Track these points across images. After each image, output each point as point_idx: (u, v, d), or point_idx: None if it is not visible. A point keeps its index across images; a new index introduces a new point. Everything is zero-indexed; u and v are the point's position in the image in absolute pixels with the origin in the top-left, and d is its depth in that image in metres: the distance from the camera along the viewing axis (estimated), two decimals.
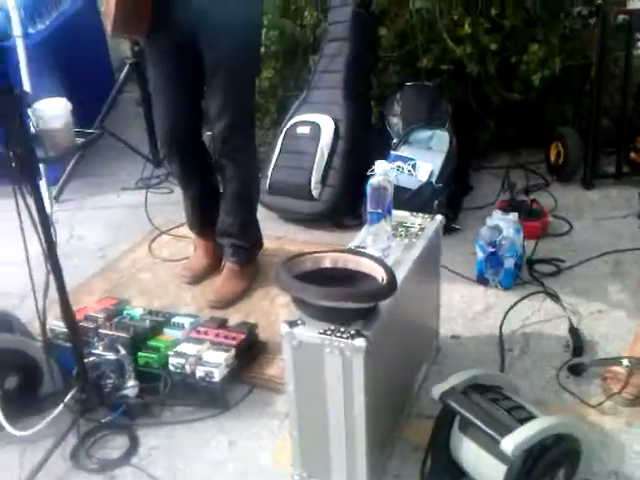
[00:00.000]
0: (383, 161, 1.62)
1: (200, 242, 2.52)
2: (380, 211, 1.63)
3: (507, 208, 2.51)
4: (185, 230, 2.69)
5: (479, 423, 1.34)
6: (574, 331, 1.98)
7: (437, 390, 1.43)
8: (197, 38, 2.03)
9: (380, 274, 1.42)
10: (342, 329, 1.37)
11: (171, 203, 3.06)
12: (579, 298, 2.20)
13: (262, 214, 2.86)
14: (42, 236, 1.56)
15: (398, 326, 1.54)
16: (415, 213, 1.83)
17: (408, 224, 1.77)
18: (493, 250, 2.24)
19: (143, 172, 3.33)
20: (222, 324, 2.03)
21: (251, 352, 1.96)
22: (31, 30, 3.19)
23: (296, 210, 2.74)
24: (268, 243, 2.56)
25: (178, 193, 3.10)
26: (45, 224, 1.55)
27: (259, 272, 2.44)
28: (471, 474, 1.47)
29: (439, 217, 1.82)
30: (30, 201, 1.52)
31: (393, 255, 1.62)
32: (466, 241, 2.52)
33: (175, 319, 2.02)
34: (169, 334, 1.96)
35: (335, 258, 1.49)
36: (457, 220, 2.70)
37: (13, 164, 1.46)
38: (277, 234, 2.72)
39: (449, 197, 2.67)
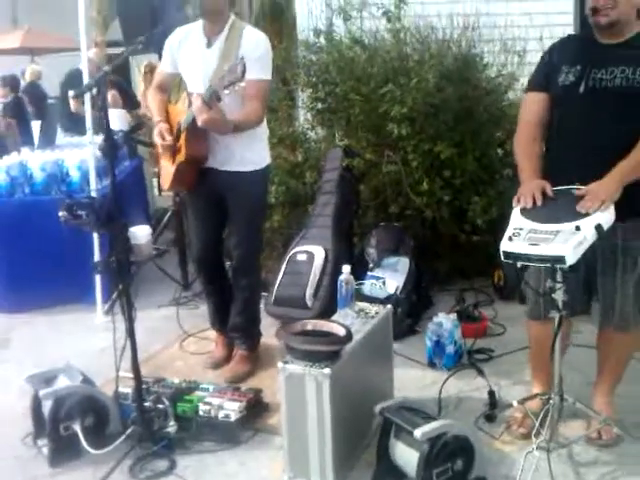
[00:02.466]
0: (348, 265, 2.50)
1: (219, 338, 3.33)
2: (346, 298, 2.49)
3: (452, 312, 3.34)
4: (206, 334, 3.54)
5: (402, 423, 2.10)
6: (491, 393, 2.72)
7: (378, 406, 2.20)
8: (225, 194, 2.98)
9: (342, 332, 2.24)
10: (316, 365, 2.16)
11: (196, 316, 3.91)
12: (502, 375, 2.97)
13: (268, 321, 3.70)
14: (126, 313, 2.41)
15: (355, 369, 2.32)
16: (373, 304, 2.68)
17: (367, 310, 2.61)
18: (437, 339, 3.05)
19: (175, 293, 4.23)
20: (236, 389, 2.80)
21: (257, 408, 2.71)
22: (99, 186, 4.18)
23: (294, 317, 3.54)
24: (271, 342, 3.37)
25: (202, 309, 3.98)
26: (129, 305, 2.40)
27: (264, 360, 3.23)
28: (403, 469, 2.18)
29: (389, 307, 2.66)
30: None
31: (354, 327, 2.43)
32: (423, 340, 3.31)
33: (202, 385, 2.80)
34: (199, 393, 2.72)
35: (314, 323, 2.33)
36: (418, 325, 3.52)
37: (114, 265, 2.35)
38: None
39: (411, 307, 3.52)
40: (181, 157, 2.88)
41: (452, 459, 2.09)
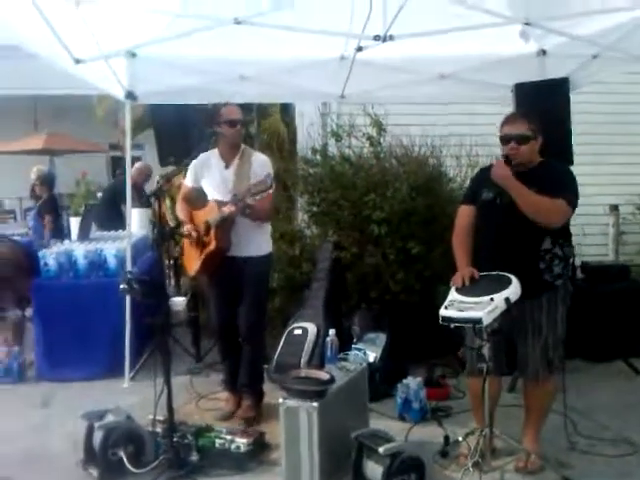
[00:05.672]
0: (333, 329, 3.31)
1: (229, 396, 4.07)
2: (332, 355, 3.29)
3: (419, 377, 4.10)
4: (217, 395, 4.26)
5: (371, 444, 2.84)
6: (446, 437, 3.44)
7: (354, 433, 2.94)
8: (240, 274, 3.82)
9: (326, 377, 3.03)
10: (307, 400, 2.92)
11: (208, 383, 4.63)
12: (457, 426, 3.68)
13: (270, 386, 4.43)
14: (164, 371, 3.18)
15: (338, 407, 3.08)
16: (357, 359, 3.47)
17: (347, 367, 3.39)
18: (405, 397, 3.80)
19: (190, 365, 4.99)
20: (245, 430, 3.52)
21: (261, 445, 3.43)
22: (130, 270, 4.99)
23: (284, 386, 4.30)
24: (271, 401, 4.08)
25: (212, 377, 4.70)
26: (168, 357, 3.18)
27: (265, 415, 3.94)
28: None
29: (365, 364, 3.45)
30: None
31: (337, 377, 3.21)
32: (395, 401, 4.05)
33: (217, 428, 3.51)
34: (215, 433, 3.44)
35: (306, 372, 3.11)
36: (392, 389, 4.26)
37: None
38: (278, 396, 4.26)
39: (386, 374, 4.28)
40: (211, 248, 3.72)
41: (408, 473, 2.82)
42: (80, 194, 12.33)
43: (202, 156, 3.92)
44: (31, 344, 5.06)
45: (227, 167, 3.84)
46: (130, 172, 4.91)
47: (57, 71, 4.44)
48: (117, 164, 13.23)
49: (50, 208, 6.66)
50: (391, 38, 3.22)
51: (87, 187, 12.86)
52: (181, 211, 3.93)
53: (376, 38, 3.23)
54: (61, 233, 6.68)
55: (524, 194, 2.97)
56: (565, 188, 3.00)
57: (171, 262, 7.62)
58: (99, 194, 9.29)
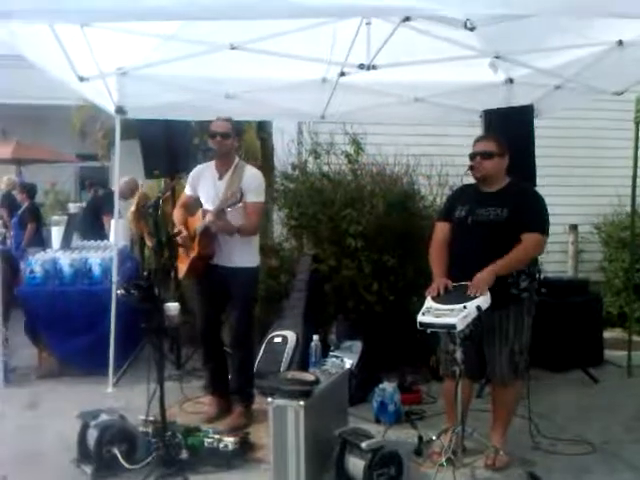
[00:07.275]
0: (317, 335, 3.54)
1: (212, 399, 4.26)
2: (316, 359, 3.52)
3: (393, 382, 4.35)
4: (199, 400, 4.46)
5: (353, 440, 3.07)
6: (420, 437, 3.70)
7: (337, 430, 3.17)
8: (227, 284, 4.02)
9: (312, 378, 3.25)
10: (294, 400, 3.14)
11: (189, 388, 4.80)
12: (430, 428, 3.93)
13: None
14: (158, 367, 3.37)
15: (322, 406, 3.30)
16: (334, 366, 3.70)
17: (330, 370, 3.63)
18: (381, 400, 4.05)
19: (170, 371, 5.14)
20: (230, 431, 3.71)
21: (247, 444, 3.62)
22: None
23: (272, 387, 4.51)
24: (257, 406, 4.30)
25: (192, 383, 4.88)
26: (162, 358, 3.37)
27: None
28: (354, 478, 3.12)
29: (346, 367, 3.69)
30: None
31: (321, 379, 3.44)
32: (372, 405, 4.29)
33: (204, 429, 3.70)
34: (203, 433, 3.63)
35: (293, 373, 3.33)
36: (368, 395, 4.50)
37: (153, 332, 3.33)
38: (263, 402, 4.44)
39: (362, 381, 4.51)
40: (194, 253, 3.95)
41: (388, 466, 3.06)
42: (49, 204, 12.33)
43: (199, 167, 4.17)
44: (13, 350, 5.18)
45: (220, 178, 4.06)
46: (119, 183, 5.08)
47: (28, 82, 4.49)
48: (86, 175, 13.26)
49: (32, 216, 6.76)
50: (374, 67, 3.50)
51: (56, 197, 12.90)
52: (177, 217, 4.13)
53: (360, 67, 3.51)
54: (41, 242, 6.79)
55: (509, 265, 3.25)
56: (538, 220, 3.32)
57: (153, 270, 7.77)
58: (70, 204, 9.39)
